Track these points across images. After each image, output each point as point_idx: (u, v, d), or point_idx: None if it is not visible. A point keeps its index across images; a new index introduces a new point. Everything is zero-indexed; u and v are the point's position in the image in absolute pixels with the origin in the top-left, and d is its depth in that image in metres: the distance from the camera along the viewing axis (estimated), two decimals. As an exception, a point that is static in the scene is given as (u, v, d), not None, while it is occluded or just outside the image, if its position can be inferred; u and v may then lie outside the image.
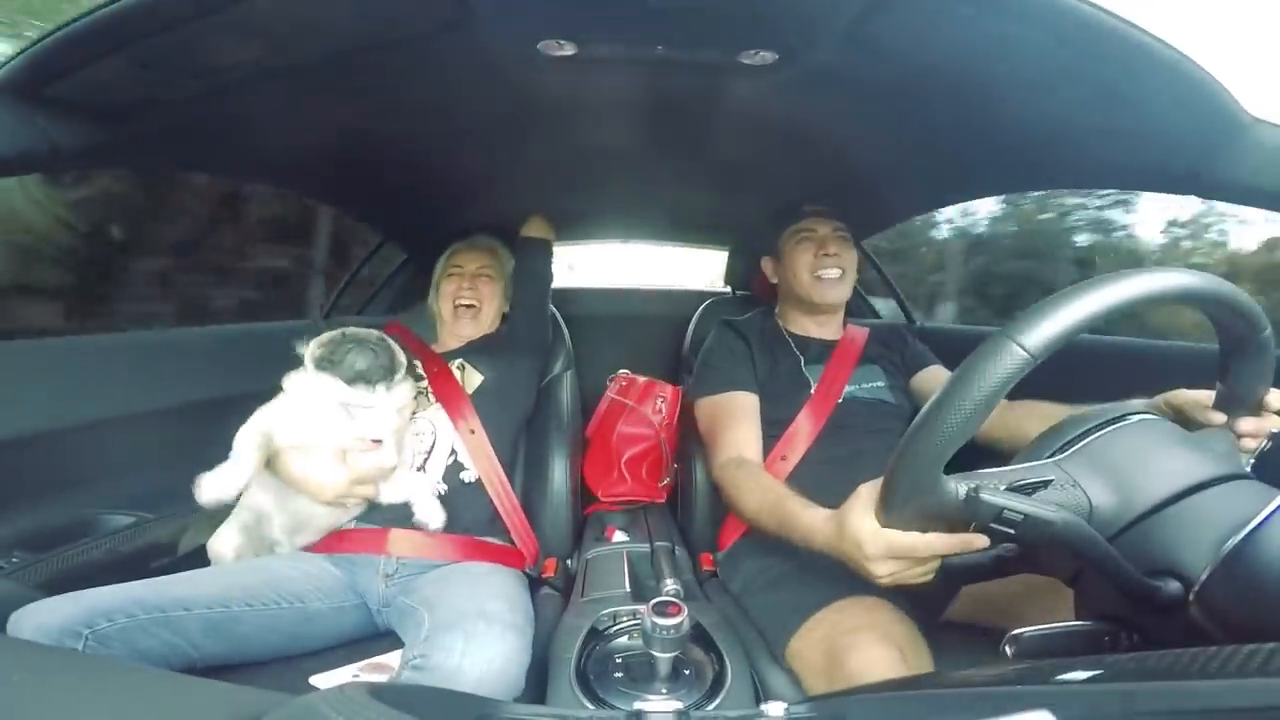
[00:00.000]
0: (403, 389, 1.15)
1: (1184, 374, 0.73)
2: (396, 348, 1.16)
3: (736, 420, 1.19)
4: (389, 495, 1.12)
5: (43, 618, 0.78)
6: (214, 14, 0.72)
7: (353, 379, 1.08)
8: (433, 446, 1.23)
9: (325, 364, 1.08)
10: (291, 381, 1.10)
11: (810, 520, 0.79)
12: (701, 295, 1.85)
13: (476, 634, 0.84)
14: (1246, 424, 0.64)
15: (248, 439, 1.01)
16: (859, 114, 1.14)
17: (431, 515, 1.12)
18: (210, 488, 0.94)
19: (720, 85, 1.02)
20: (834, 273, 1.29)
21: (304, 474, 1.04)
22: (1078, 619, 0.60)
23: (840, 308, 1.36)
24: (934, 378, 1.33)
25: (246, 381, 1.13)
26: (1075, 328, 0.48)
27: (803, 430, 1.20)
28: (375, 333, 1.16)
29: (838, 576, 0.75)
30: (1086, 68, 0.76)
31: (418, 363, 1.30)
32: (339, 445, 1.07)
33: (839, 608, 0.89)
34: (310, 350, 1.10)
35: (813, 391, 1.24)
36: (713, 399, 1.25)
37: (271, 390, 1.12)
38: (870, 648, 0.79)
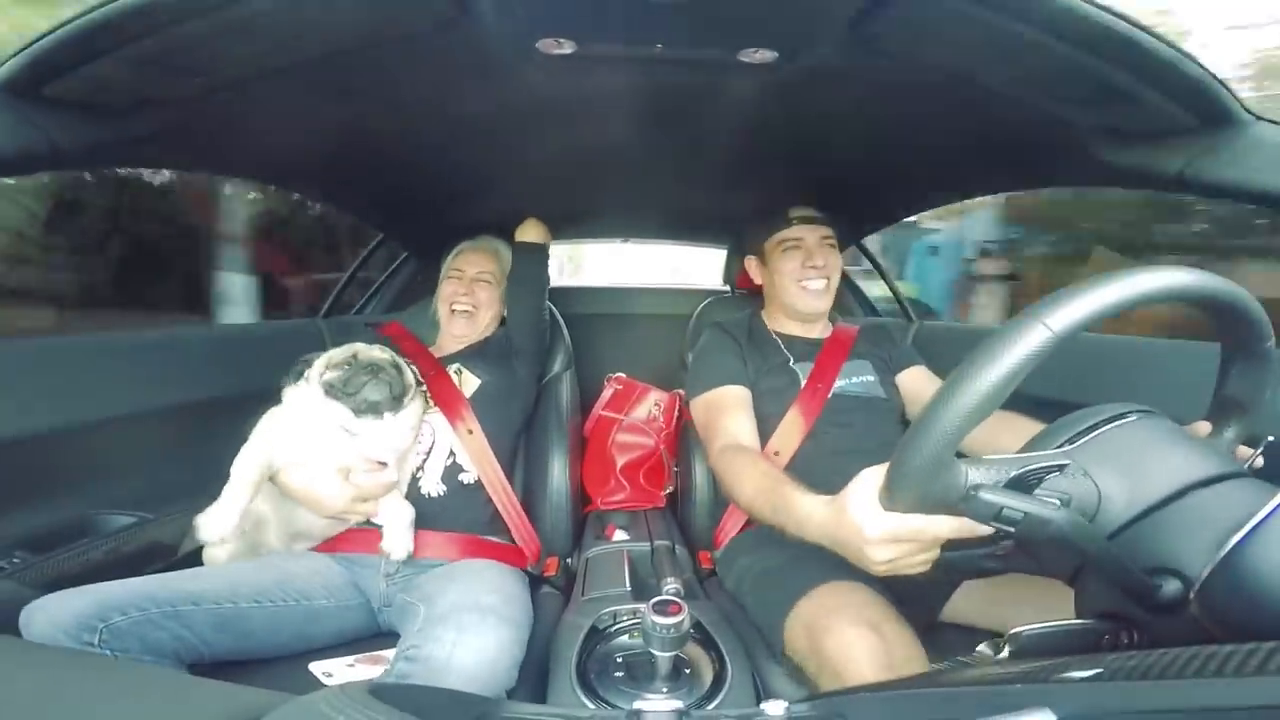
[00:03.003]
0: (411, 409, 1.13)
1: (1183, 372, 0.73)
2: (408, 369, 1.14)
3: (732, 411, 1.19)
4: (383, 514, 1.10)
5: (56, 612, 0.78)
6: (213, 13, 0.72)
7: (363, 410, 1.05)
8: (431, 448, 1.23)
9: (336, 392, 1.05)
10: (293, 396, 1.07)
11: (807, 505, 0.76)
12: (701, 293, 1.85)
13: (469, 625, 0.85)
14: (1242, 451, 0.65)
15: (244, 472, 0.98)
16: (858, 112, 1.14)
17: (396, 545, 1.07)
18: (208, 527, 0.94)
19: (720, 83, 1.02)
20: (819, 284, 1.30)
21: (305, 489, 1.04)
22: (1077, 617, 0.60)
23: (825, 314, 1.36)
24: (916, 378, 1.34)
25: (247, 381, 1.13)
26: (1100, 312, 0.48)
27: (794, 426, 1.21)
28: (388, 355, 1.12)
29: (822, 564, 0.73)
30: (1085, 65, 0.76)
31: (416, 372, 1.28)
32: (342, 463, 1.06)
33: (820, 593, 0.90)
34: (318, 372, 1.06)
35: (802, 387, 1.24)
36: (707, 395, 1.25)
37: (271, 391, 1.12)
38: (845, 629, 0.79)
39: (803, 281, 1.30)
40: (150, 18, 0.70)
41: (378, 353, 1.11)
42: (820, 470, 1.06)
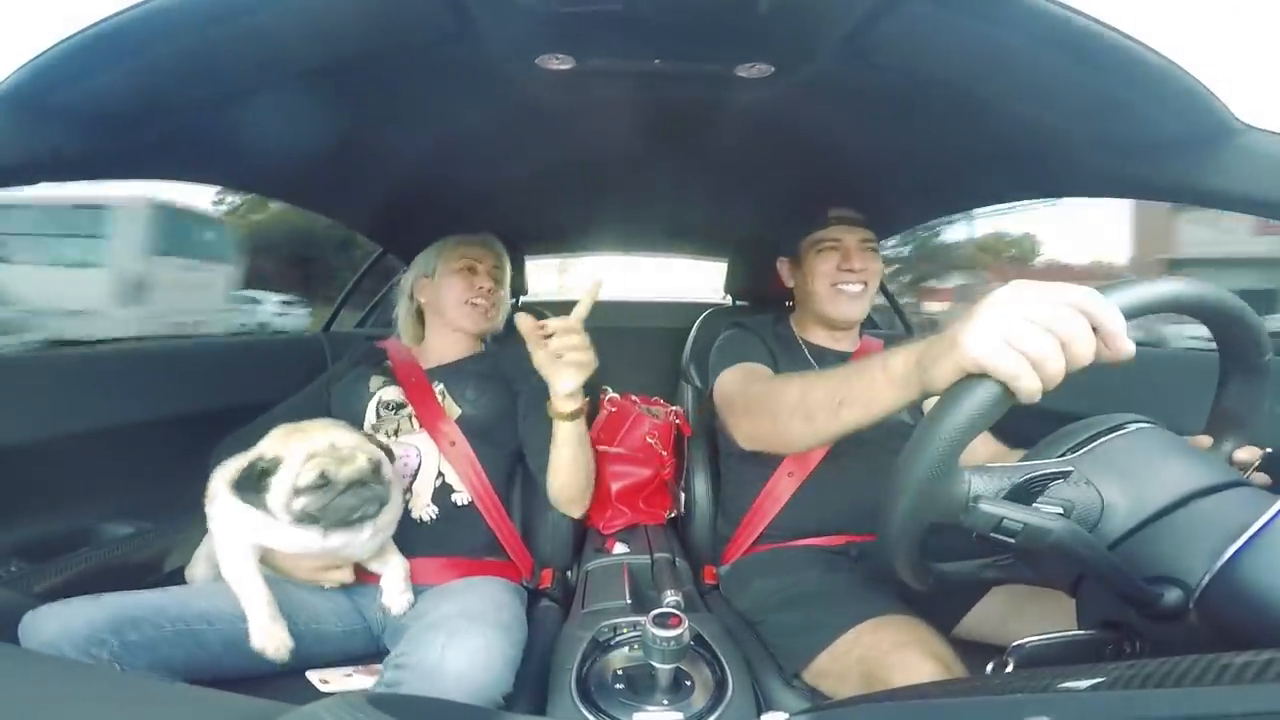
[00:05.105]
0: (390, 509, 1.02)
1: (1182, 382, 0.74)
2: (385, 463, 1.00)
3: (764, 377, 1.13)
4: (375, 566, 1.05)
5: (67, 620, 0.77)
6: (217, 24, 0.73)
7: (340, 524, 0.94)
8: (418, 469, 1.19)
9: (310, 520, 0.92)
10: (249, 519, 0.93)
11: (893, 353, 0.68)
12: (701, 306, 1.85)
13: (458, 630, 0.84)
14: (1241, 453, 0.65)
15: (252, 589, 0.91)
16: (856, 125, 1.15)
17: (395, 603, 1.02)
18: (270, 649, 0.88)
19: (718, 97, 1.03)
20: (855, 288, 1.22)
21: (275, 555, 0.98)
22: (1079, 628, 0.60)
23: (857, 323, 1.30)
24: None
25: (249, 394, 1.12)
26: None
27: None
28: (364, 461, 0.95)
29: (865, 596, 0.72)
30: (1081, 77, 0.77)
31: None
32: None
33: (874, 626, 0.88)
34: (283, 502, 0.91)
35: None
36: (733, 368, 1.19)
37: (271, 404, 1.11)
38: (918, 664, 0.78)
39: (838, 284, 1.22)
40: (154, 28, 0.71)
41: (352, 466, 0.94)
42: (837, 496, 1.01)
